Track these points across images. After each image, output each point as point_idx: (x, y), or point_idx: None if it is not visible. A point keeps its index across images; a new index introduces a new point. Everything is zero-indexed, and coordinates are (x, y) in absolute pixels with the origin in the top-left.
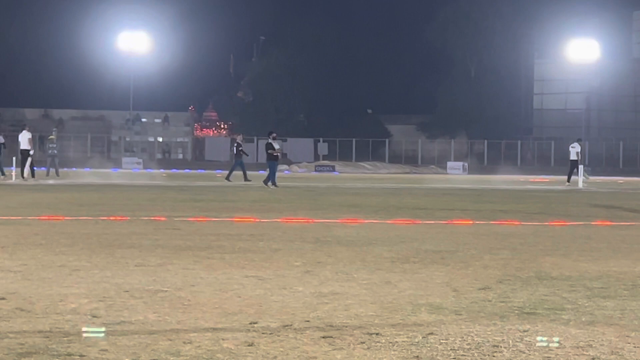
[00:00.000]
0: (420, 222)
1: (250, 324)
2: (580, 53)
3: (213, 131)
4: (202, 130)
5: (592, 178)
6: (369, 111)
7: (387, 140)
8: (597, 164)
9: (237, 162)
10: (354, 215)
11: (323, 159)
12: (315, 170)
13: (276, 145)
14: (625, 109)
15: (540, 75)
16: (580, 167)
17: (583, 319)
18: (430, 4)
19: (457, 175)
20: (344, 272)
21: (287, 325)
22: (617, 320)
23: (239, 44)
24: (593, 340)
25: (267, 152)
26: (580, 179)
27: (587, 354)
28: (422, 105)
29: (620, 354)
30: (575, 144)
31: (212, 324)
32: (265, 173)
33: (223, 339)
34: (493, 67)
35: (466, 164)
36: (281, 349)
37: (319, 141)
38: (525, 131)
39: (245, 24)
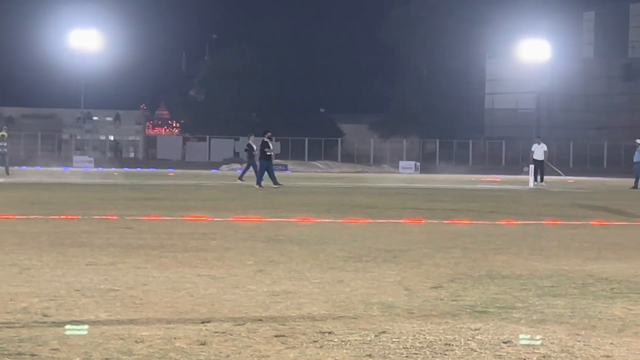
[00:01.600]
0: (373, 221)
1: (203, 322)
2: (531, 53)
3: (165, 130)
4: (153, 128)
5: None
6: (322, 110)
7: (339, 140)
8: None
9: (251, 162)
10: (307, 214)
11: (275, 158)
12: None
13: (271, 145)
14: (575, 109)
15: (492, 75)
16: (531, 166)
17: (534, 318)
18: (382, 3)
19: (409, 174)
20: (297, 271)
21: (239, 324)
22: (568, 319)
23: (191, 42)
24: (544, 339)
25: (262, 151)
26: (531, 178)
27: (538, 352)
28: (375, 105)
29: (570, 352)
30: (542, 143)
31: (165, 323)
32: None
33: (175, 338)
34: (445, 67)
35: (418, 163)
36: (233, 348)
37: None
38: (477, 131)
39: (198, 22)
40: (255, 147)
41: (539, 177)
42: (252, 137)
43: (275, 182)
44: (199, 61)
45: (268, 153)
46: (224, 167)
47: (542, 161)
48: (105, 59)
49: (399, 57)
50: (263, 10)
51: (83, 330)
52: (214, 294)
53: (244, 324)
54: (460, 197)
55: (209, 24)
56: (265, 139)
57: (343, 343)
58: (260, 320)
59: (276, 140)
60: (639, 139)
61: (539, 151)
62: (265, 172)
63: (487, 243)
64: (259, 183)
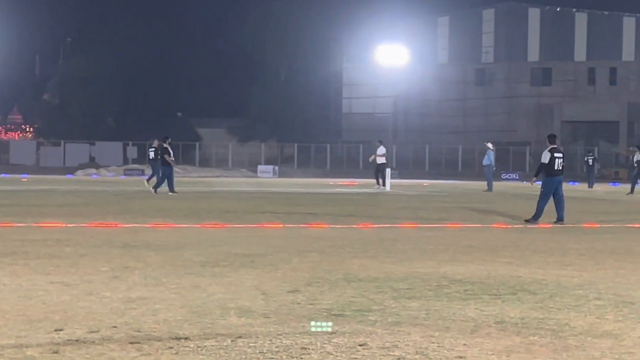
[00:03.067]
0: (231, 225)
1: (56, 331)
2: (388, 58)
3: (18, 134)
4: (6, 133)
5: (399, 181)
6: (179, 114)
7: (197, 144)
8: (404, 166)
9: (157, 168)
10: (164, 220)
11: (132, 163)
12: (124, 174)
13: (171, 150)
14: (431, 113)
15: (349, 79)
16: (388, 170)
17: (389, 320)
18: (241, 7)
19: (267, 178)
20: (153, 276)
21: (93, 332)
22: (422, 321)
23: (45, 45)
24: (399, 341)
25: (162, 157)
26: (388, 181)
27: (393, 354)
28: (233, 109)
29: (424, 353)
30: (382, 146)
31: (16, 332)
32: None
33: (27, 347)
34: (303, 71)
35: (276, 168)
36: (87, 356)
37: (128, 145)
38: (335, 135)
39: (51, 24)
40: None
41: (381, 181)
42: (156, 142)
43: (170, 188)
44: (53, 64)
45: (170, 159)
46: (79, 172)
47: (384, 164)
48: None
49: (257, 61)
50: (118, 13)
51: (328, 326)
52: (67, 302)
53: (98, 332)
54: (318, 201)
55: (63, 27)
56: (166, 145)
57: (199, 349)
58: (115, 327)
59: (133, 145)
60: (489, 142)
61: (379, 154)
62: (154, 176)
63: (344, 247)
64: (171, 189)
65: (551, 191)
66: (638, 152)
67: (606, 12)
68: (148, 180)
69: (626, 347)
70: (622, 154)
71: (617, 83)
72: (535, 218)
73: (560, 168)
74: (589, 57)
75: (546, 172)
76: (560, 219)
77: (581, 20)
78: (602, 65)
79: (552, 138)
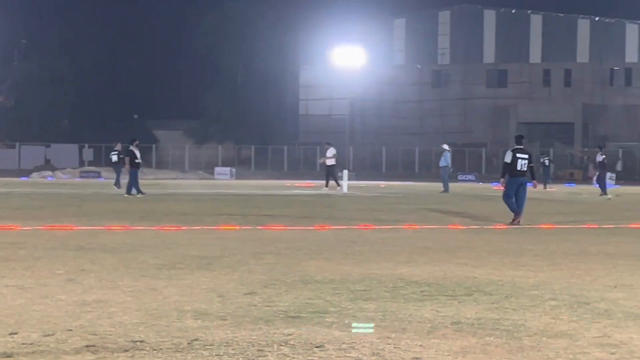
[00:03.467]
0: (187, 228)
1: (10, 334)
2: (345, 60)
3: None
4: None
5: (355, 183)
6: (135, 117)
7: (153, 146)
8: (361, 168)
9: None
10: (120, 222)
11: (88, 165)
12: (80, 177)
13: (138, 153)
14: (388, 115)
15: (306, 81)
16: (345, 171)
17: (346, 321)
18: (196, 9)
19: (224, 180)
20: (109, 279)
21: (48, 335)
22: (379, 322)
23: None
24: (355, 342)
25: (131, 160)
26: (345, 183)
27: (350, 355)
28: (190, 111)
29: (381, 354)
30: (331, 148)
31: None
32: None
33: None
34: (259, 73)
35: (234, 169)
36: None
37: (84, 147)
38: (292, 136)
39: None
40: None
41: (332, 182)
42: (119, 145)
43: (138, 190)
44: (7, 66)
45: (137, 161)
46: (34, 174)
47: (333, 166)
48: None
49: (213, 63)
50: (74, 15)
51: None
52: (22, 305)
53: (53, 335)
54: (275, 202)
55: (17, 29)
56: (132, 148)
57: (155, 351)
58: (70, 330)
59: (89, 147)
60: (445, 144)
61: (330, 156)
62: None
63: (301, 248)
64: (139, 191)
65: (513, 191)
66: (600, 153)
67: (561, 14)
68: (116, 184)
69: (581, 347)
70: (576, 155)
71: (571, 84)
72: (515, 217)
73: (525, 169)
74: (544, 59)
75: (509, 172)
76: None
77: (536, 22)
78: (557, 67)
79: (517, 139)
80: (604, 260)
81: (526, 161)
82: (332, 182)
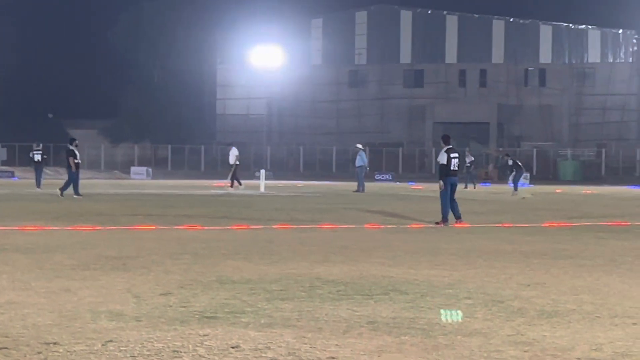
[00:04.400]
0: (102, 228)
1: None
2: (263, 59)
3: None
4: None
5: (273, 182)
6: (50, 116)
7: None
8: (279, 167)
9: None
10: (34, 222)
11: (2, 165)
12: None
13: (77, 153)
14: (305, 115)
15: (223, 80)
16: (262, 171)
17: (262, 322)
18: (112, 8)
19: (141, 180)
20: (22, 280)
21: None
22: (295, 322)
23: None
24: (271, 342)
25: (67, 160)
26: (262, 183)
27: (266, 355)
28: (105, 110)
29: (297, 354)
30: (234, 147)
31: None
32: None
33: None
34: (176, 72)
35: (150, 169)
36: None
37: None
38: (209, 136)
39: None
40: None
41: (235, 182)
42: (40, 145)
43: (76, 192)
44: None
45: (76, 161)
46: None
47: (237, 165)
48: None
49: (130, 61)
50: None
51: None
52: None
53: None
54: (192, 202)
55: None
56: (73, 147)
57: (68, 353)
58: None
59: (2, 147)
60: (359, 144)
61: (231, 156)
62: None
63: (218, 248)
64: (77, 192)
65: (448, 191)
66: (509, 159)
67: (476, 15)
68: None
69: (495, 345)
70: (492, 154)
71: (487, 85)
72: (444, 220)
73: (456, 168)
74: (460, 60)
75: (446, 173)
76: (458, 218)
77: (452, 22)
78: (472, 67)
79: (446, 139)
80: (519, 259)
81: (457, 160)
82: (236, 182)
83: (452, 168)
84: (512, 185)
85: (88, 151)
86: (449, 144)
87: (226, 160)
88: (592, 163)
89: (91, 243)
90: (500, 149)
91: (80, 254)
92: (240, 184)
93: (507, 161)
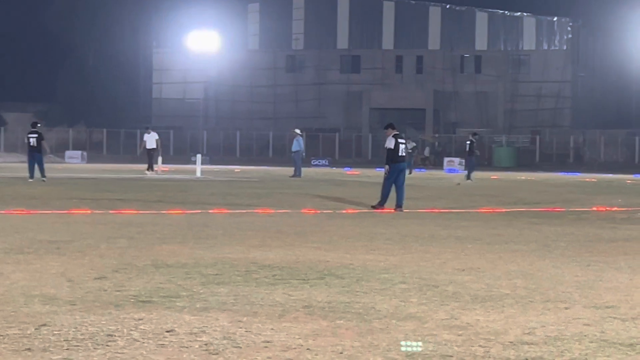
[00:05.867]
0: (36, 212)
1: None
2: (200, 43)
3: None
4: None
5: (209, 167)
6: None
7: (2, 129)
8: (215, 152)
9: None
10: None
11: None
12: None
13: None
14: (242, 99)
15: (159, 64)
16: (198, 156)
17: (197, 306)
18: None
19: (75, 164)
20: None
21: None
22: (230, 306)
23: None
24: (206, 326)
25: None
26: (198, 167)
27: (201, 340)
28: (40, 93)
29: (232, 338)
30: (153, 132)
31: None
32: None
33: None
34: (112, 56)
35: (85, 153)
36: None
37: None
38: (145, 120)
39: None
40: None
41: (154, 166)
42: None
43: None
44: None
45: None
46: None
47: (154, 149)
48: None
49: (64, 44)
50: None
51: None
52: None
53: None
54: (127, 186)
55: None
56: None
57: (1, 337)
58: None
59: None
60: (297, 129)
61: (150, 140)
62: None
63: (153, 233)
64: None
65: (393, 177)
66: (473, 140)
67: (413, 1)
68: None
69: (429, 329)
70: (427, 140)
71: (423, 71)
72: (381, 204)
73: (404, 154)
74: (397, 46)
75: (392, 159)
76: (398, 206)
77: (389, 8)
78: (409, 53)
79: (392, 125)
80: (454, 244)
81: (405, 146)
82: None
83: (399, 154)
84: (467, 171)
85: (22, 135)
86: (395, 130)
87: (163, 144)
88: (526, 149)
89: (24, 227)
90: (436, 135)
91: (14, 237)
92: (151, 169)
93: (472, 142)
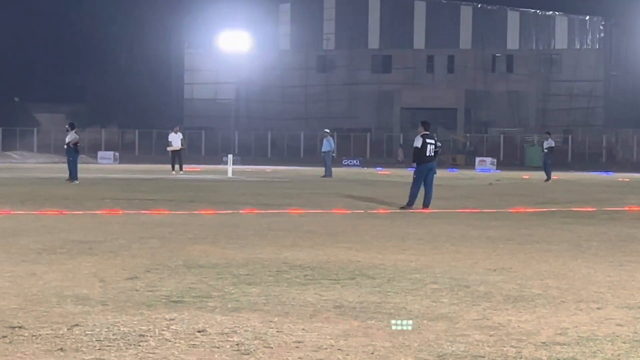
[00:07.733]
0: (69, 212)
1: None
2: (231, 44)
3: None
4: None
5: (241, 167)
6: (16, 99)
7: (35, 130)
8: (247, 153)
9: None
10: (0, 206)
11: None
12: None
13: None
14: (273, 99)
15: (191, 65)
16: (230, 155)
17: (229, 306)
18: None
19: (108, 164)
20: None
21: None
22: (262, 306)
23: None
24: (238, 327)
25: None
26: (229, 168)
27: (232, 340)
28: (72, 94)
29: (263, 338)
30: (179, 132)
31: None
32: None
33: None
34: (144, 57)
35: (117, 154)
36: None
37: None
38: (177, 121)
39: None
40: None
41: (177, 167)
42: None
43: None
44: None
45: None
46: None
47: (180, 150)
48: None
49: (96, 45)
50: None
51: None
52: None
53: None
54: (159, 187)
55: None
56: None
57: (34, 337)
58: None
59: None
60: (327, 129)
61: (176, 140)
62: None
63: (185, 233)
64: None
65: (422, 177)
66: (550, 138)
67: (444, 1)
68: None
69: (460, 330)
70: (459, 140)
71: (454, 71)
72: (409, 204)
73: (432, 154)
74: (428, 45)
75: (418, 158)
76: (425, 206)
77: (420, 8)
78: (440, 53)
79: (425, 124)
80: (485, 243)
81: (433, 146)
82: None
83: (427, 154)
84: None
85: (55, 135)
86: (426, 130)
87: (195, 145)
88: (558, 149)
89: (57, 227)
90: (468, 135)
91: (46, 238)
92: (178, 169)
93: (545, 142)
